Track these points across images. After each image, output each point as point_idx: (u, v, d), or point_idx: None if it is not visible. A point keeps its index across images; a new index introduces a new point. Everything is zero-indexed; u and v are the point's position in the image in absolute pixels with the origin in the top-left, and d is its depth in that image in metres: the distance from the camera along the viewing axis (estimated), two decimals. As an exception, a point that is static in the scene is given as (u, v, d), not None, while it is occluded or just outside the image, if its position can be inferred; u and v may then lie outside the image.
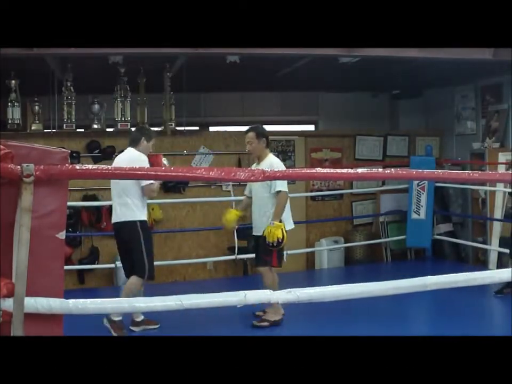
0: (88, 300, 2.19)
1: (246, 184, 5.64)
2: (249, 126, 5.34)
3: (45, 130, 6.82)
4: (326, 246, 7.72)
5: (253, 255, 7.00)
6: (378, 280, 2.41)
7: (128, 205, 4.84)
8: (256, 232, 5.20)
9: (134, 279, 4.83)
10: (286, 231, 4.99)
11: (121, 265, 5.21)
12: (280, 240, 4.92)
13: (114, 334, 4.70)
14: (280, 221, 4.97)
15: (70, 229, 6.50)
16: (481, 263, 7.44)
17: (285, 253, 5.32)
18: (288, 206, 5.14)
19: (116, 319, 4.76)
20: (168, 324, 4.95)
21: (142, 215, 4.87)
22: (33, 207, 1.99)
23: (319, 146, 8.16)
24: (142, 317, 5.00)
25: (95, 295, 4.38)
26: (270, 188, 5.03)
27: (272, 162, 5.07)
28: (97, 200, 6.90)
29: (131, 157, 4.84)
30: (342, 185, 8.18)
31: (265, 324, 5.03)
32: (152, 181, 4.73)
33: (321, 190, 8.09)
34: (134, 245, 4.84)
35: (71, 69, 6.50)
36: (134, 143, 4.94)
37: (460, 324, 4.98)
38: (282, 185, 4.99)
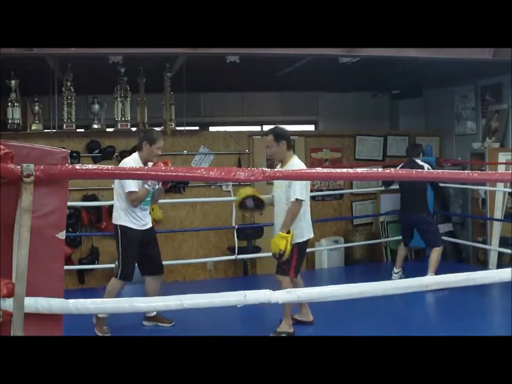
0: (88, 300, 2.18)
1: (243, 184, 5.50)
2: (269, 128, 4.91)
3: (45, 130, 6.83)
4: (326, 246, 7.72)
5: (252, 255, 7.13)
6: (378, 280, 2.41)
7: (116, 208, 4.92)
8: None
9: (112, 280, 4.99)
10: (294, 243, 4.58)
11: None
12: (281, 253, 4.50)
13: (97, 332, 4.75)
14: (289, 232, 4.54)
15: (70, 229, 6.52)
16: (481, 263, 7.44)
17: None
18: (308, 213, 4.79)
19: (100, 316, 4.81)
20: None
21: (125, 220, 4.85)
22: (33, 207, 1.99)
23: (319, 146, 8.16)
24: (154, 312, 5.02)
25: (95, 295, 4.41)
26: (289, 195, 4.62)
27: (293, 165, 4.61)
28: (97, 200, 6.90)
29: (121, 163, 5.02)
30: (342, 185, 8.18)
31: (283, 335, 4.58)
32: (133, 190, 4.71)
33: (321, 190, 8.08)
34: (116, 248, 4.98)
35: (71, 69, 6.50)
36: (139, 148, 4.92)
37: (459, 324, 4.98)
38: (300, 194, 4.55)
